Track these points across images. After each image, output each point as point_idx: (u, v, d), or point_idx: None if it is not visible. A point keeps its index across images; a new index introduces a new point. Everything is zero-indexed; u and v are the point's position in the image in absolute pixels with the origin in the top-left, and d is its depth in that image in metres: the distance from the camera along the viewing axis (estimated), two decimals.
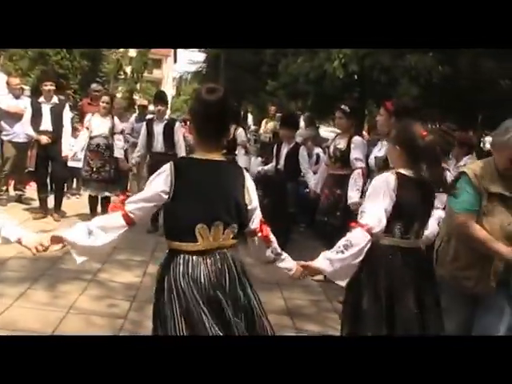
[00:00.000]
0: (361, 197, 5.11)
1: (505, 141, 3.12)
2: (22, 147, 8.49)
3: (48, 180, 8.32)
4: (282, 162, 6.96)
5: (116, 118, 8.10)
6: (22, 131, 8.12)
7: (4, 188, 9.04)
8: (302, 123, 11.44)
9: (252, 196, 2.60)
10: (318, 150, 8.90)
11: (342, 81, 9.76)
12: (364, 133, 10.54)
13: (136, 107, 12.43)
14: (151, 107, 13.10)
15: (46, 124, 7.72)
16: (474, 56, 8.21)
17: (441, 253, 3.46)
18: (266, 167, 7.49)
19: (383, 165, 5.73)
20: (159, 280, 2.56)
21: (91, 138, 7.79)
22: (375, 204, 2.91)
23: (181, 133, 7.78)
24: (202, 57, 21.78)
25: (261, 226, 2.65)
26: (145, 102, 11.64)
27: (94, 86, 10.52)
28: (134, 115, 10.14)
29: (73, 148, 7.95)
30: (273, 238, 2.70)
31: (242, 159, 7.58)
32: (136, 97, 27.57)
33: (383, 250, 2.98)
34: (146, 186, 2.55)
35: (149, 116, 9.21)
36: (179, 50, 46.51)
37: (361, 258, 2.89)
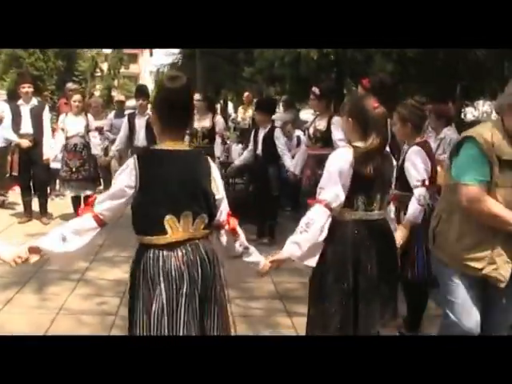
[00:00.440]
0: None
1: None
2: (1, 152, 8.38)
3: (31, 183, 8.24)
4: (259, 146, 6.97)
5: (90, 116, 8.05)
6: (0, 135, 8.04)
7: None
8: (280, 107, 11.45)
9: (219, 186, 2.57)
10: (298, 133, 8.89)
11: (317, 62, 9.75)
12: None
13: (114, 103, 12.34)
14: (129, 102, 13.05)
15: (27, 127, 7.64)
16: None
17: (440, 233, 3.05)
18: (241, 158, 7.47)
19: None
20: (132, 276, 2.55)
21: (68, 138, 7.74)
22: (332, 180, 2.92)
23: None
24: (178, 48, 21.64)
25: (228, 218, 2.63)
26: (122, 98, 11.57)
27: (69, 85, 10.41)
28: (113, 112, 10.08)
29: (52, 150, 7.88)
30: (240, 231, 2.68)
31: (218, 148, 7.58)
32: (114, 93, 27.36)
33: (349, 226, 3.00)
34: (112, 184, 2.54)
35: (128, 111, 9.13)
36: None
37: (324, 235, 2.92)
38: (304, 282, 5.43)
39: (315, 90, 5.97)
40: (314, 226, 2.89)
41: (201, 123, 7.45)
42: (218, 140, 7.68)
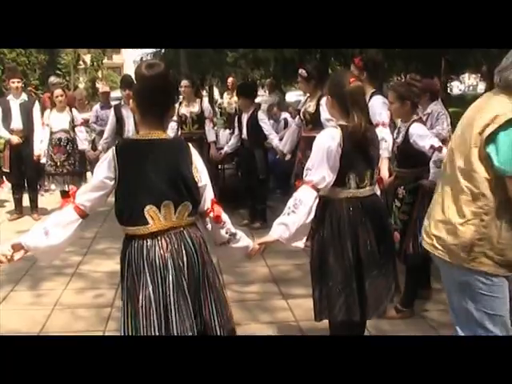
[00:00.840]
0: None
1: None
2: None
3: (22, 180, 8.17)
4: (244, 131, 6.96)
5: (74, 111, 7.97)
6: None
7: None
8: (266, 90, 11.41)
9: (201, 173, 2.52)
10: (285, 115, 8.87)
11: None
12: None
13: (99, 95, 12.22)
14: (114, 93, 12.94)
15: (17, 122, 7.55)
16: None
17: (483, 239, 2.37)
18: (229, 144, 7.42)
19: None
20: (121, 267, 2.54)
21: (52, 133, 7.66)
22: (318, 161, 2.90)
23: None
24: None
25: (212, 205, 2.59)
26: (107, 89, 11.46)
27: (51, 79, 10.26)
28: (99, 103, 9.98)
29: (41, 145, 7.80)
30: (225, 217, 2.64)
31: (210, 133, 7.53)
32: (99, 85, 27.13)
33: (343, 205, 3.00)
34: (93, 175, 2.52)
35: (113, 102, 9.04)
36: None
37: (312, 216, 2.91)
38: (298, 263, 5.47)
39: (302, 71, 5.96)
40: (301, 207, 2.87)
41: (189, 109, 7.41)
42: (210, 125, 7.64)
